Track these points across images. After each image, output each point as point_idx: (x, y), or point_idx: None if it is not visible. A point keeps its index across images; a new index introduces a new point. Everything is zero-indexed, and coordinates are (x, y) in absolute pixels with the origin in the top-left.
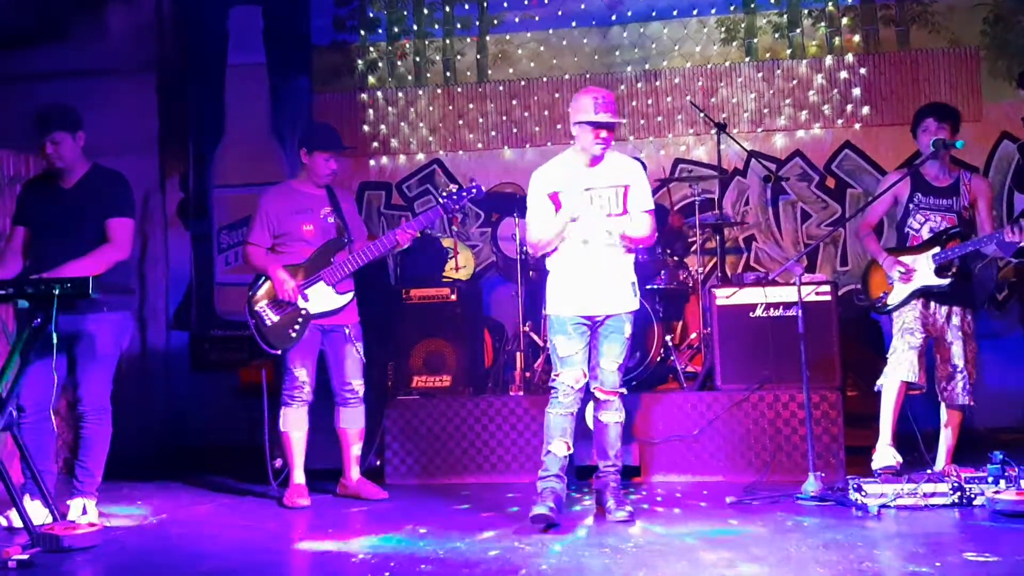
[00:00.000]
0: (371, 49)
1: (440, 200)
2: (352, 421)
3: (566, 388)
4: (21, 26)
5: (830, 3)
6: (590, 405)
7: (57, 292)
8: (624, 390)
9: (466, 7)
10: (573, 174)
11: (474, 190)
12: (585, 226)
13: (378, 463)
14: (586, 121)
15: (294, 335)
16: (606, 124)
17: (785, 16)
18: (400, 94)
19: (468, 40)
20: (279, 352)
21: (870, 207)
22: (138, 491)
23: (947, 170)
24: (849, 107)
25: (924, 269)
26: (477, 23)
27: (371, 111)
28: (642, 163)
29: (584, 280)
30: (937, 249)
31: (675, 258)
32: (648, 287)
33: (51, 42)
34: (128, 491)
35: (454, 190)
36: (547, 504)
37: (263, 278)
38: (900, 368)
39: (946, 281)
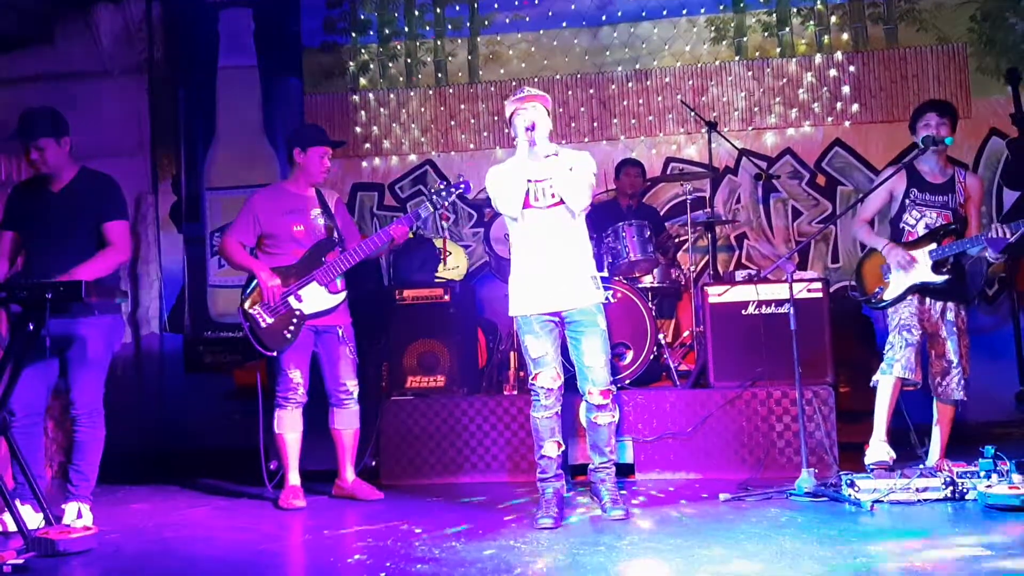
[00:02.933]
0: (362, 51)
1: (429, 197)
2: (346, 422)
3: (545, 390)
4: (10, 30)
5: (819, 2)
6: (583, 405)
7: (49, 296)
8: (615, 388)
9: (457, 8)
10: (520, 166)
11: (462, 186)
12: (537, 220)
13: (373, 464)
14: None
15: (289, 336)
16: (524, 98)
17: (774, 15)
18: (392, 95)
19: (459, 41)
20: (275, 353)
21: (865, 203)
22: (133, 494)
23: (942, 167)
24: (839, 105)
25: (921, 265)
26: (468, 24)
27: (363, 112)
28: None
29: (543, 277)
30: (934, 245)
31: (666, 257)
32: (640, 286)
33: (40, 45)
34: (123, 494)
35: (442, 187)
36: (551, 514)
37: (255, 280)
38: (897, 365)
39: (943, 277)
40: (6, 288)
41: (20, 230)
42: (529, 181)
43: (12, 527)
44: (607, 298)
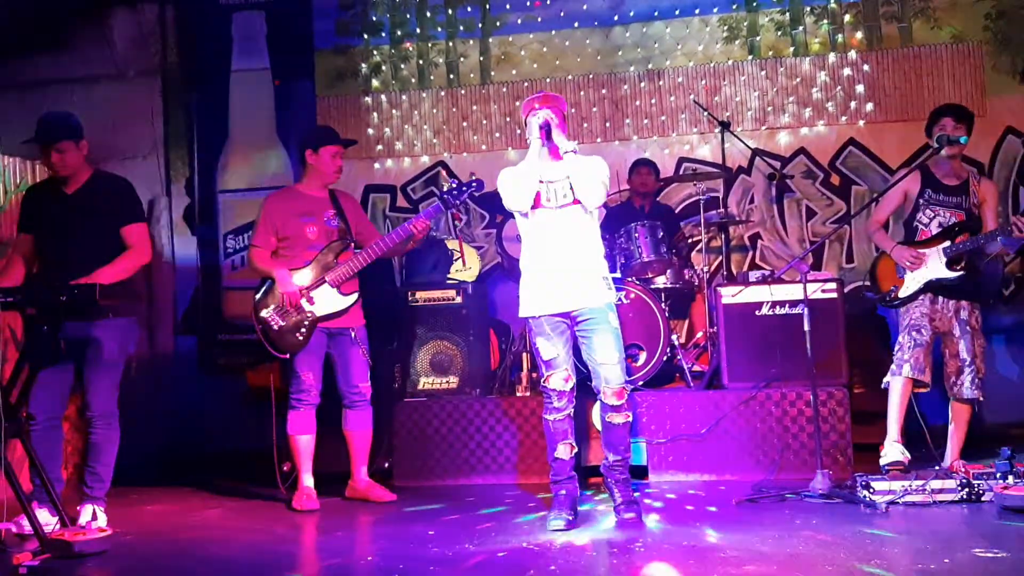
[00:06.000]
0: (374, 52)
1: (441, 195)
2: (359, 424)
3: (557, 392)
4: (25, 34)
5: (832, 0)
6: (596, 406)
7: (63, 299)
8: (629, 387)
9: (468, 9)
10: (532, 166)
11: (474, 184)
12: (549, 221)
13: (386, 465)
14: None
15: (301, 338)
16: (539, 101)
17: (788, 14)
18: (404, 97)
19: (471, 42)
20: (288, 356)
21: (880, 204)
22: (147, 496)
23: (956, 170)
24: (853, 104)
25: (935, 262)
26: (480, 25)
27: (375, 114)
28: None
29: (553, 278)
30: (947, 243)
31: (680, 257)
32: (653, 287)
33: (55, 49)
34: (137, 496)
35: (454, 185)
36: (564, 516)
37: (269, 283)
38: (906, 365)
39: (956, 274)
40: (21, 291)
41: (35, 232)
42: (541, 182)
43: (28, 529)
44: (620, 299)
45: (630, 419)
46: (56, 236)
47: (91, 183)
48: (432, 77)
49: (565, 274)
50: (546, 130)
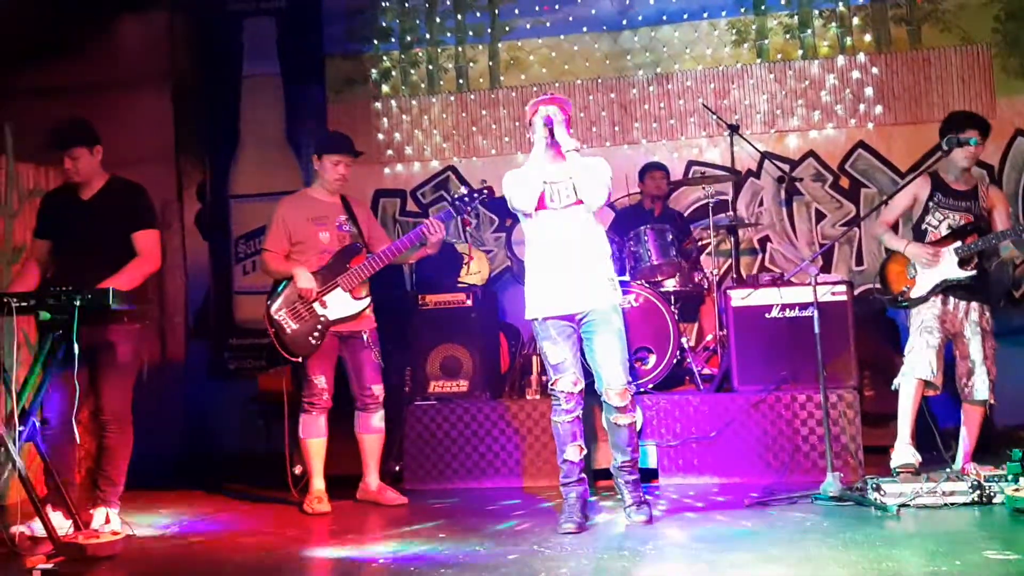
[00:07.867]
0: (384, 58)
1: (452, 201)
2: (371, 427)
3: (565, 395)
4: (36, 41)
5: (841, 3)
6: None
7: (78, 304)
8: (632, 388)
9: (478, 15)
10: (536, 167)
11: (485, 192)
12: (553, 222)
13: (397, 468)
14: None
15: (315, 342)
16: (544, 101)
17: (796, 17)
18: (414, 102)
19: (480, 47)
20: (300, 359)
21: (888, 207)
22: (159, 499)
23: (966, 177)
24: (862, 107)
25: (947, 262)
26: (489, 30)
27: (385, 119)
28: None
29: (559, 279)
30: (959, 243)
31: (689, 261)
32: (663, 290)
33: (65, 56)
34: (149, 499)
35: (465, 192)
36: (574, 519)
37: (281, 287)
38: (918, 366)
39: (968, 273)
40: (36, 296)
41: (51, 238)
42: (545, 183)
43: (41, 532)
44: (629, 302)
45: (635, 420)
46: (71, 242)
47: (106, 189)
48: (442, 82)
49: (569, 276)
50: (549, 127)
